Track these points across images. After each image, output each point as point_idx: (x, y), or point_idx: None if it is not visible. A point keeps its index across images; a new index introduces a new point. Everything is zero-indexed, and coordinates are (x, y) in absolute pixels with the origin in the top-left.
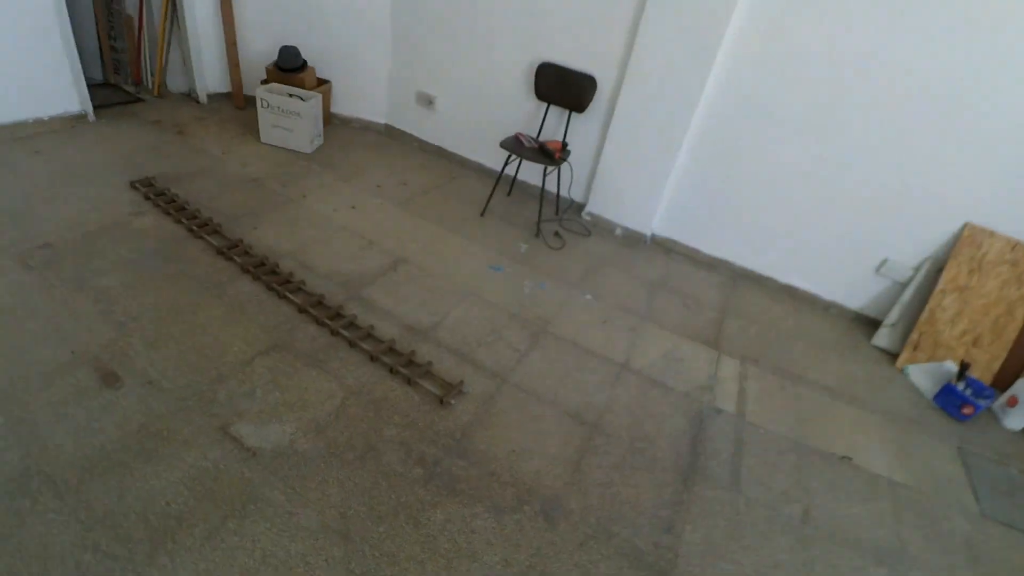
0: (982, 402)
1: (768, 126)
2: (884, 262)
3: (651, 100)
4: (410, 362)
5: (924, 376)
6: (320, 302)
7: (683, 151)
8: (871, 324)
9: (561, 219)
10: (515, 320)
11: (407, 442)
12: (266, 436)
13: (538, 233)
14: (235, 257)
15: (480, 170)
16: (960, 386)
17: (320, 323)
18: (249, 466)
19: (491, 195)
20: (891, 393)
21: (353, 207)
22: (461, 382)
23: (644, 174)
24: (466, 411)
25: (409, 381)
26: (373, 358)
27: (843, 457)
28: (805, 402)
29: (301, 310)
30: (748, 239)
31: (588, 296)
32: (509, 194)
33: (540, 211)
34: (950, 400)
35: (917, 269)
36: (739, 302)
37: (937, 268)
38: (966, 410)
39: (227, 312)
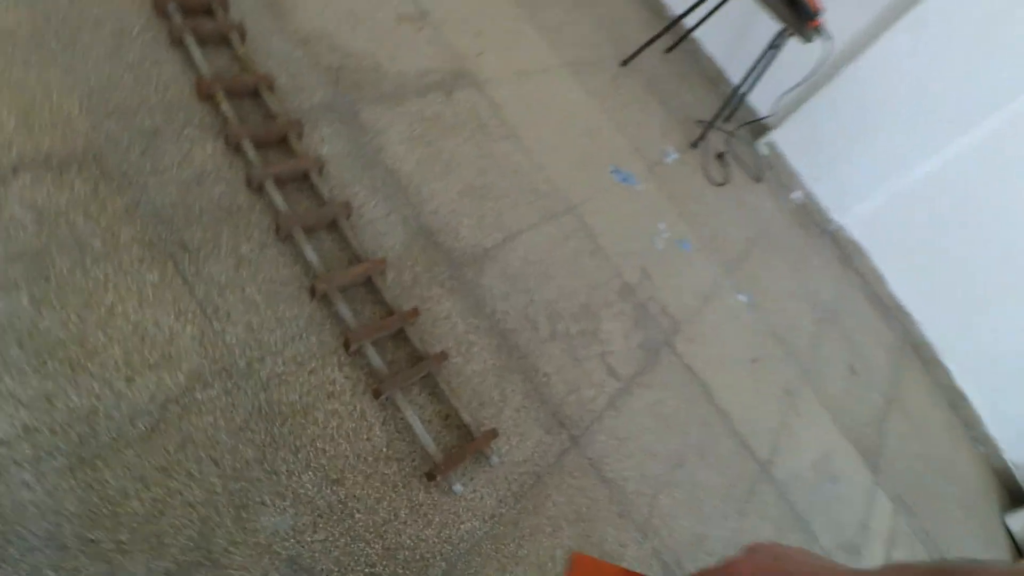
0: None
1: None
2: None
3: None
4: (401, 335)
5: None
6: (257, 91)
7: (980, 127)
8: (1013, 493)
9: (732, 133)
10: (628, 298)
11: None
12: None
13: (699, 141)
14: None
15: None
16: None
17: (237, 149)
18: None
19: (649, 42)
20: None
21: None
22: (493, 432)
23: (896, 132)
24: (484, 507)
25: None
26: (312, 293)
27: None
28: None
29: (207, 94)
30: (948, 302)
31: (742, 297)
32: (669, 51)
33: (721, 109)
34: None
35: None
36: (905, 389)
37: None
38: None
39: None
